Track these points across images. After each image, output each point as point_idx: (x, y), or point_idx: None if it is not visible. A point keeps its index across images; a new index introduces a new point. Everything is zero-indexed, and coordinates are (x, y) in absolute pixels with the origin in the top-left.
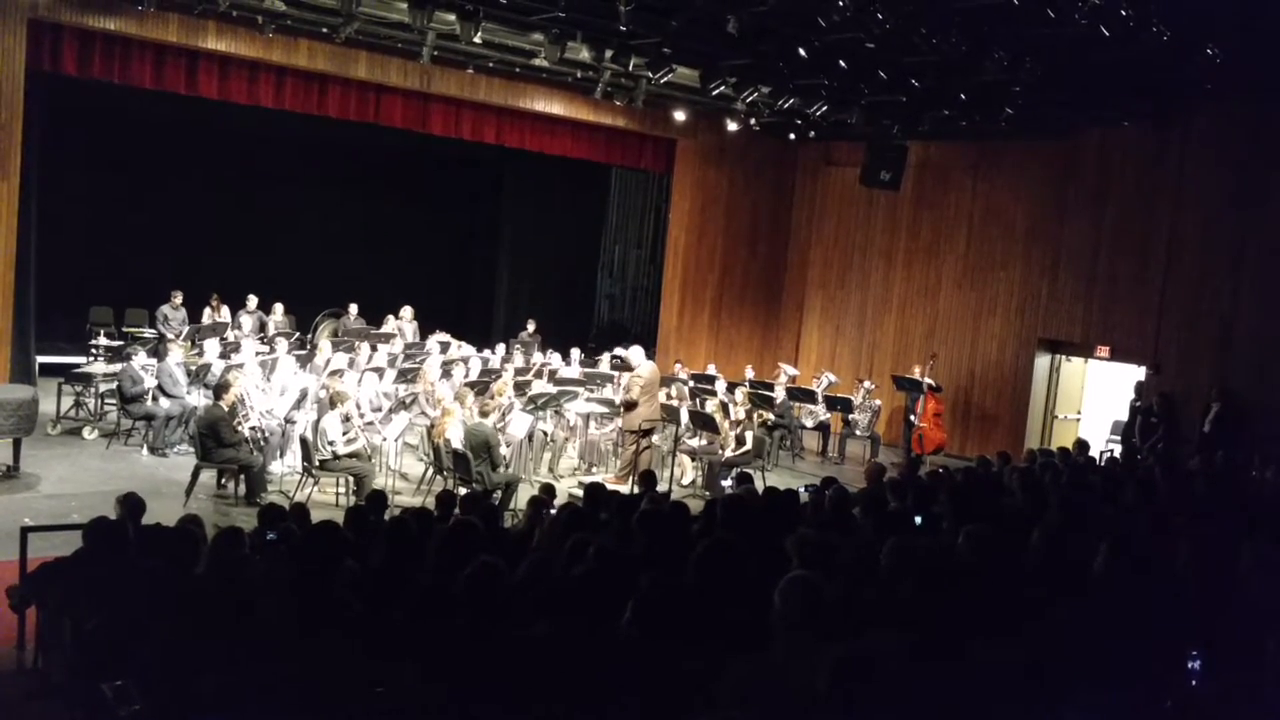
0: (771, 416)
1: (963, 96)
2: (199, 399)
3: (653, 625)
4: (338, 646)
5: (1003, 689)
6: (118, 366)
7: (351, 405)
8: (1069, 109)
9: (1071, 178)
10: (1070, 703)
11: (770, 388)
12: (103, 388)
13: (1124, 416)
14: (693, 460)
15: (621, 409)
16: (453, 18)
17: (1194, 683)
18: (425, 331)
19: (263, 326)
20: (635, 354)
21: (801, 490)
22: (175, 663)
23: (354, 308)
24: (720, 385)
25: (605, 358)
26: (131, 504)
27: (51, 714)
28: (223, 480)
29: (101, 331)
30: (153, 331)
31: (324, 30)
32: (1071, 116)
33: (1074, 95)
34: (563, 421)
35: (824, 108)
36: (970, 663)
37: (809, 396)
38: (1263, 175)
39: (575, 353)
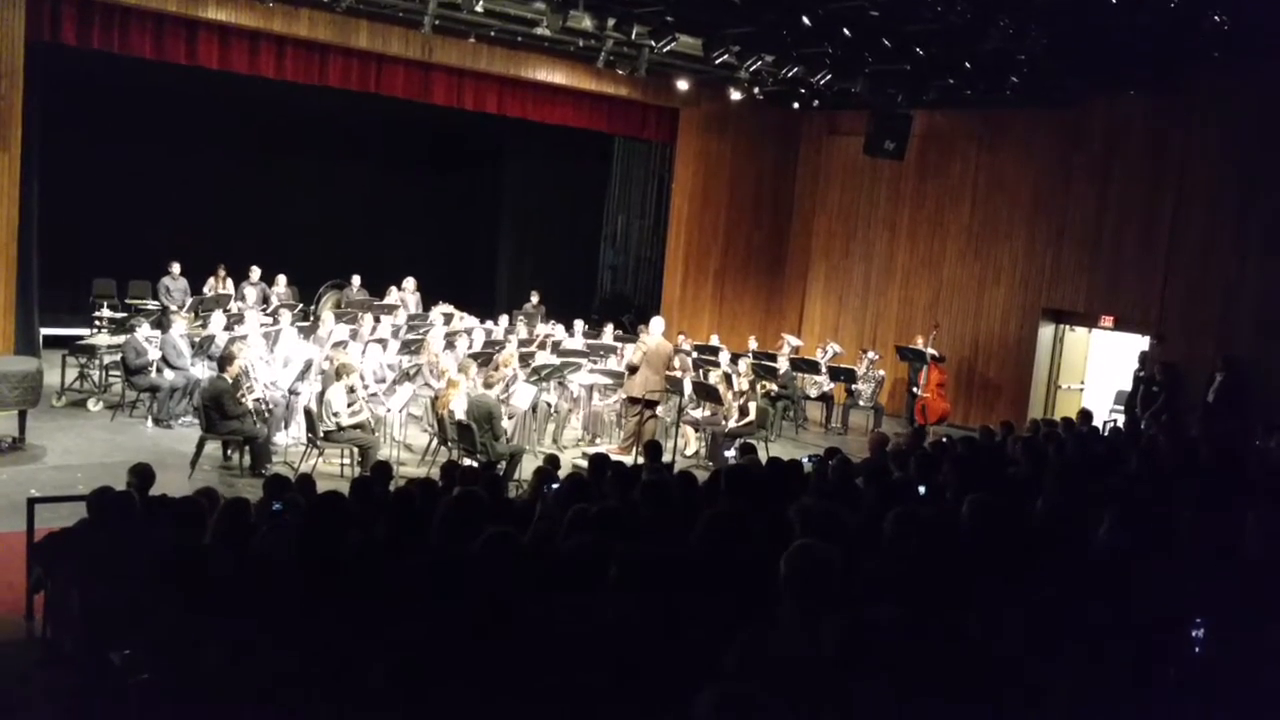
0: (775, 387)
1: (967, 65)
2: (203, 370)
3: (633, 586)
4: (343, 616)
5: (1006, 656)
6: (122, 338)
7: (356, 377)
8: (1074, 77)
9: (1077, 147)
10: (1073, 669)
11: (774, 358)
12: (107, 359)
13: (1128, 386)
14: (696, 431)
15: (626, 372)
16: None
17: (1197, 650)
18: (428, 303)
19: (266, 298)
20: (654, 324)
21: (805, 460)
22: (182, 632)
23: (357, 279)
24: (724, 356)
25: (609, 329)
26: (142, 474)
27: (60, 683)
28: (228, 451)
29: (104, 303)
30: (156, 303)
31: None
32: (1077, 85)
33: (1079, 64)
34: (566, 393)
35: (828, 76)
36: (973, 630)
37: (812, 367)
38: (1269, 144)
39: (579, 324)
